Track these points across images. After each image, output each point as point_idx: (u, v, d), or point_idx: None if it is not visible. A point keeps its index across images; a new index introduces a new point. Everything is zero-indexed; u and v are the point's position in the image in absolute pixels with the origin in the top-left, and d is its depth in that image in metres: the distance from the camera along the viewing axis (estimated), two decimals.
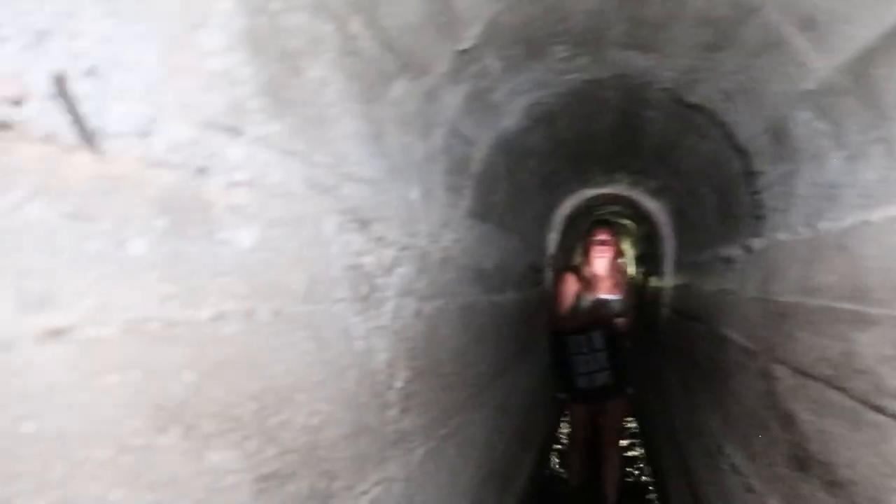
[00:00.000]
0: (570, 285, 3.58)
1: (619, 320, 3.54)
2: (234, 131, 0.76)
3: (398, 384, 1.34)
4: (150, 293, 0.63)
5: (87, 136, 0.56)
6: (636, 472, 4.33)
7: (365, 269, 1.15)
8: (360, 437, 1.16)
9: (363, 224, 1.14)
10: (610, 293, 3.59)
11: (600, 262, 3.57)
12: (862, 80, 1.03)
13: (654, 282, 4.53)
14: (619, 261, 3.74)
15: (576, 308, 3.56)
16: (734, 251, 1.94)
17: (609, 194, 4.26)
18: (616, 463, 3.74)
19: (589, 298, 3.52)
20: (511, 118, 2.02)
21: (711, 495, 2.22)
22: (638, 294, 3.67)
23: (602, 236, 3.60)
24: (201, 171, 0.72)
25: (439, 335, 1.64)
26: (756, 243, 1.66)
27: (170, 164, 0.66)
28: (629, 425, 4.85)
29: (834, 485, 1.02)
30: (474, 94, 1.67)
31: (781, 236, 1.44)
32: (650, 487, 4.12)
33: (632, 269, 4.74)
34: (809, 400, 1.16)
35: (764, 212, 1.62)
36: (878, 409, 0.86)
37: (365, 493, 1.17)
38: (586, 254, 3.66)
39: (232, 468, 0.74)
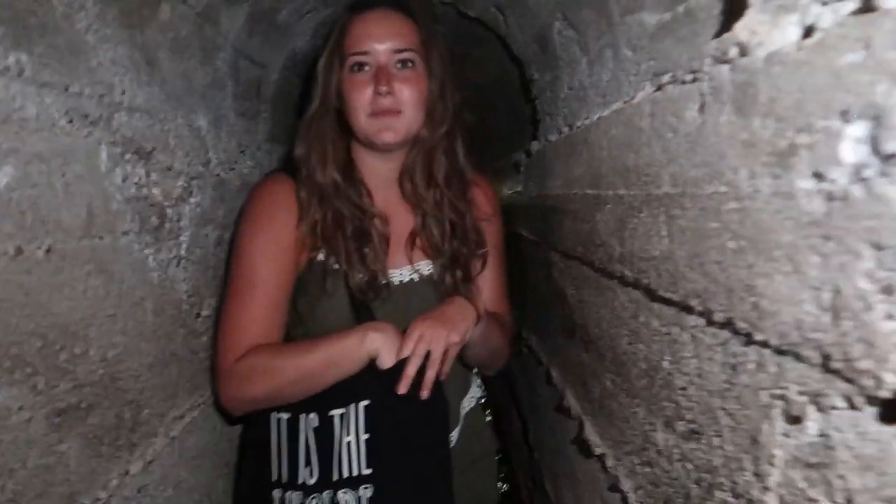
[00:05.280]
0: (270, 260, 1.21)
1: (477, 351, 1.28)
2: None
3: (205, 312, 1.35)
4: None
5: None
6: None
7: (152, 200, 1.14)
8: (168, 366, 1.18)
9: (144, 155, 1.12)
10: (422, 256, 1.34)
11: (383, 130, 1.23)
12: None
13: None
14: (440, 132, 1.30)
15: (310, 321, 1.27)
16: (520, 155, 2.13)
17: None
18: None
19: (358, 278, 1.22)
20: (302, 39, 2.01)
21: (515, 372, 2.51)
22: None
23: (378, 44, 1.23)
24: None
25: None
26: (534, 146, 1.85)
27: None
28: None
29: (589, 343, 1.23)
30: (258, 15, 1.63)
31: (551, 137, 1.61)
32: None
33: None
34: (573, 277, 1.37)
35: (539, 116, 1.79)
36: (610, 274, 1.05)
37: (180, 417, 1.21)
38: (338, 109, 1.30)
39: (20, 405, 0.75)
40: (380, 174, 1.35)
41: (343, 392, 1.14)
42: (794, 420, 0.52)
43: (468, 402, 1.41)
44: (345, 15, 1.32)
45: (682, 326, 0.77)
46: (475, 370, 1.46)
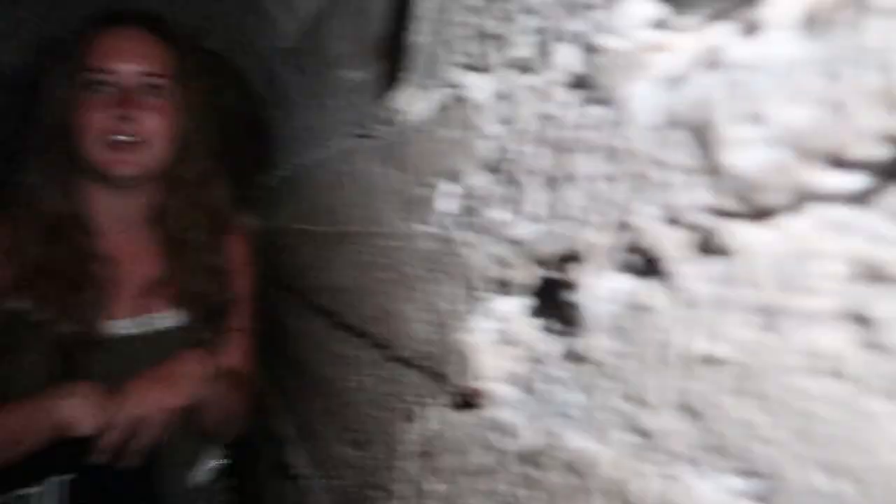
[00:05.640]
0: None
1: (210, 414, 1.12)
2: None
3: None
4: None
5: None
6: None
7: None
8: None
9: None
10: (166, 306, 1.16)
11: (117, 161, 1.07)
12: (315, 40, 1.28)
13: None
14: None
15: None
16: (253, 191, 2.18)
17: None
18: None
19: (66, 329, 1.05)
20: (9, 53, 1.86)
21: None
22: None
23: (125, 64, 1.08)
24: None
25: None
26: (267, 180, 1.91)
27: None
28: None
29: (299, 369, 1.30)
30: None
31: (280, 173, 1.69)
32: None
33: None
34: (287, 308, 1.44)
35: (271, 152, 1.87)
36: (311, 305, 1.14)
37: None
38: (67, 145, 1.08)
39: None
40: (116, 212, 1.15)
41: (37, 467, 0.95)
42: (410, 419, 0.64)
43: (201, 474, 1.21)
44: (88, 28, 1.13)
45: (354, 348, 0.87)
46: (211, 436, 1.22)
